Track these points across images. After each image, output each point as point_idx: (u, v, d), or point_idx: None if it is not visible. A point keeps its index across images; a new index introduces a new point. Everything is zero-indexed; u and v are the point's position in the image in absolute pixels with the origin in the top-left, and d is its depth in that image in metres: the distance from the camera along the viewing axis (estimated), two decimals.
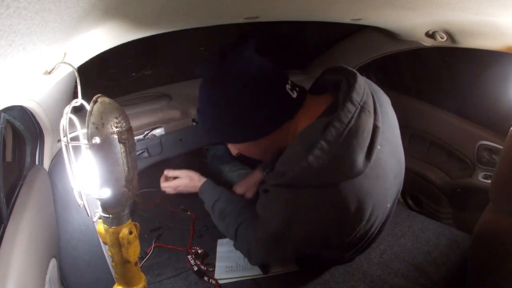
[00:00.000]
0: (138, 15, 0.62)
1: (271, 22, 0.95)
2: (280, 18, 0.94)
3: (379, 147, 0.68)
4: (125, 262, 0.54)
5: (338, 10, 0.87)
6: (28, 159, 0.87)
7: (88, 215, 0.51)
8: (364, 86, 0.70)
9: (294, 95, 0.74)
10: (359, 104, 0.66)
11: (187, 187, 1.11)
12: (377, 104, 0.71)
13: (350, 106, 0.65)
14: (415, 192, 1.61)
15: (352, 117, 0.65)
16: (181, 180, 1.11)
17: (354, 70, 0.75)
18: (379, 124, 0.68)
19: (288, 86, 0.74)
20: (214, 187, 1.07)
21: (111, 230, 0.51)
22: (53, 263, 0.78)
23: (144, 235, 1.25)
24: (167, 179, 1.14)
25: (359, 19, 0.99)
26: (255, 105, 0.72)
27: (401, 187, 0.85)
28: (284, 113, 0.74)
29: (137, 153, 1.23)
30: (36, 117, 0.82)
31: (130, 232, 0.52)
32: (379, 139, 0.68)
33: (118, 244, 0.52)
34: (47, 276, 0.71)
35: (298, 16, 0.94)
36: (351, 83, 0.70)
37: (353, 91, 0.67)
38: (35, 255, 0.67)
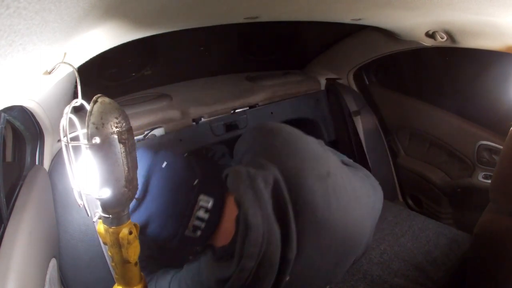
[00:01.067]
0: (138, 15, 0.62)
1: (271, 22, 0.95)
2: (280, 18, 0.94)
3: (288, 277, 0.63)
4: (125, 262, 0.54)
5: (338, 10, 0.87)
6: (28, 159, 0.87)
7: (88, 215, 0.51)
8: (263, 222, 0.60)
9: (197, 234, 0.67)
10: (258, 255, 0.59)
11: None
12: (291, 225, 0.62)
13: (247, 263, 0.59)
14: (415, 192, 1.61)
15: (249, 276, 0.59)
16: None
17: (256, 193, 0.62)
18: (291, 255, 0.62)
19: (188, 230, 0.67)
20: None
21: (111, 230, 0.51)
22: (53, 263, 0.78)
23: None
24: None
25: (359, 19, 0.99)
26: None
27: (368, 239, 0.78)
28: (188, 253, 0.72)
29: None
30: (36, 117, 0.82)
31: (130, 232, 0.52)
32: (289, 269, 0.62)
33: (118, 244, 0.52)
34: (47, 276, 0.71)
35: (298, 16, 0.94)
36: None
37: (249, 246, 0.59)
38: (35, 255, 0.67)
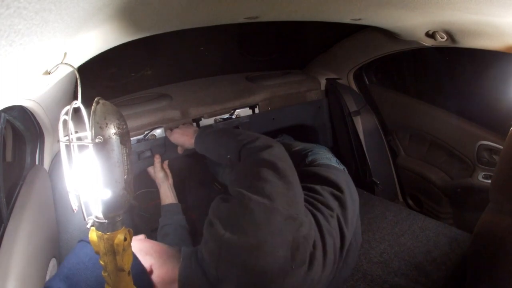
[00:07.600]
0: (139, 15, 0.62)
1: (271, 22, 0.95)
2: (280, 18, 0.94)
3: None
4: (119, 270, 0.51)
5: (338, 10, 0.87)
6: (28, 159, 0.87)
7: (85, 219, 0.49)
8: None
9: None
10: None
11: (162, 192, 1.25)
12: None
13: None
14: (415, 192, 1.61)
15: None
16: (160, 183, 1.26)
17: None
18: None
19: None
20: (173, 214, 1.20)
21: (105, 236, 0.49)
22: (53, 263, 0.78)
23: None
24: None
25: (359, 19, 0.99)
26: None
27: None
28: None
29: (141, 152, 1.24)
30: (36, 117, 0.82)
31: (125, 239, 0.50)
32: None
33: (112, 252, 0.50)
34: (47, 276, 0.71)
35: (298, 16, 0.94)
36: None
37: None
38: (35, 255, 0.67)
